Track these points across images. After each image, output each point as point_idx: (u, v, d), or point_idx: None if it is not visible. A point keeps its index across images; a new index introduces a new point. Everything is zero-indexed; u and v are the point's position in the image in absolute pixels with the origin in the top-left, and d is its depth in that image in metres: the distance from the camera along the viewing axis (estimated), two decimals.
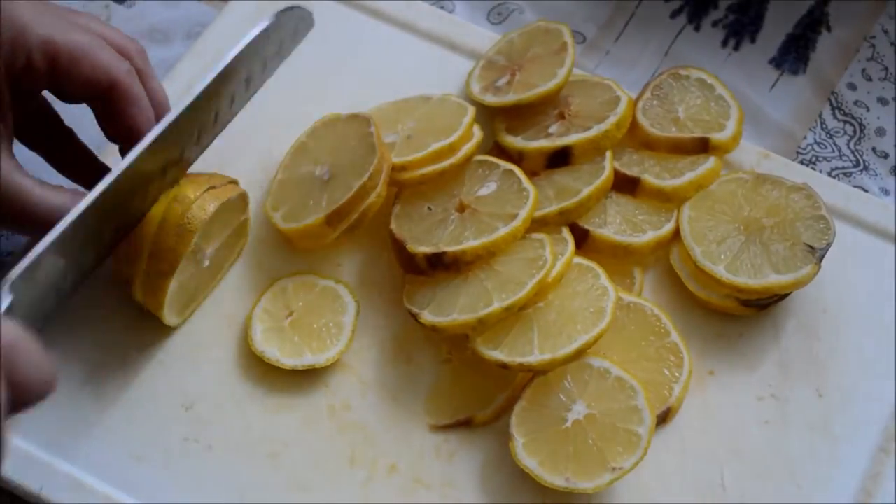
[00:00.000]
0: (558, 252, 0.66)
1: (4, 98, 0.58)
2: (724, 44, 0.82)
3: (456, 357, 0.68)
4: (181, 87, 0.76)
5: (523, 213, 0.67)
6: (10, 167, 0.59)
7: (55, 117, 0.67)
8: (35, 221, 0.59)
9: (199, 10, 0.82)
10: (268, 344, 0.67)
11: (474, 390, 0.66)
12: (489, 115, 0.73)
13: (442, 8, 0.82)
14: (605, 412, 0.63)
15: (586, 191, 0.68)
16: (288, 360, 0.67)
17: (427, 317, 0.65)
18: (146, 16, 0.82)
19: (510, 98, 0.72)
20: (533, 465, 0.62)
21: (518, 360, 0.64)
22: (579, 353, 0.64)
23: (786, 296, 0.69)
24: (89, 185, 0.57)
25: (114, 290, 0.68)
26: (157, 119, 0.62)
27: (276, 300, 0.69)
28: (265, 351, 0.67)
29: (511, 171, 0.69)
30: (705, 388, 0.67)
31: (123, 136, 0.62)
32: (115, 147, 0.65)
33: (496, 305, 0.64)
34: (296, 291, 0.69)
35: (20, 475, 0.63)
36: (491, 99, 0.73)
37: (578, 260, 0.67)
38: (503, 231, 0.66)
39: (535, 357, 0.63)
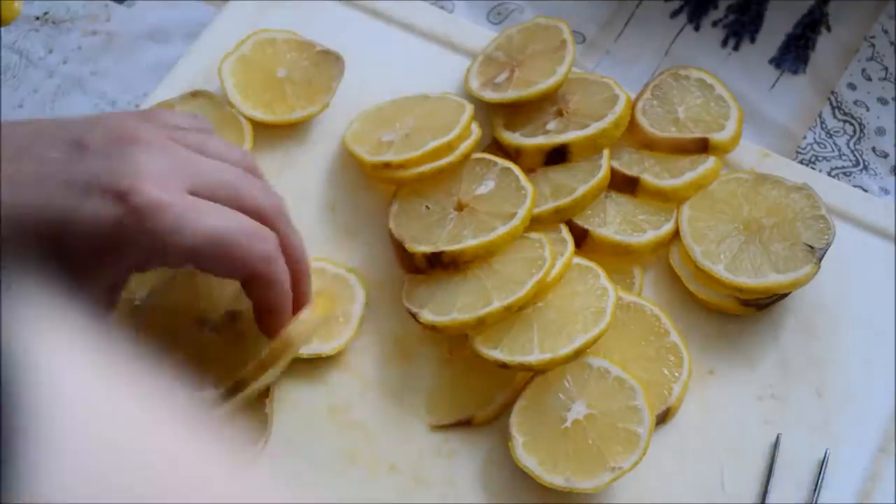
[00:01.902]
0: (558, 252, 0.66)
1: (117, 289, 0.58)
2: (724, 44, 0.82)
3: (456, 356, 0.67)
4: (181, 86, 0.75)
5: (521, 213, 0.66)
6: None
7: None
8: None
9: (198, 10, 0.82)
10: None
11: (474, 390, 0.66)
12: (487, 112, 0.73)
13: (442, 7, 0.82)
14: (605, 412, 0.63)
15: (582, 189, 0.68)
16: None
17: (426, 316, 0.65)
18: (146, 15, 0.82)
19: (510, 95, 0.72)
20: (532, 465, 0.62)
21: (518, 359, 0.64)
22: (579, 353, 0.63)
23: (786, 295, 0.68)
24: None
25: None
26: (294, 276, 0.61)
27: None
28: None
29: (509, 170, 0.69)
30: (705, 387, 0.67)
31: (261, 311, 0.62)
32: None
33: (496, 305, 0.64)
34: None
35: None
36: (490, 95, 0.73)
37: (578, 260, 0.67)
38: (501, 230, 0.66)
39: (535, 357, 0.63)
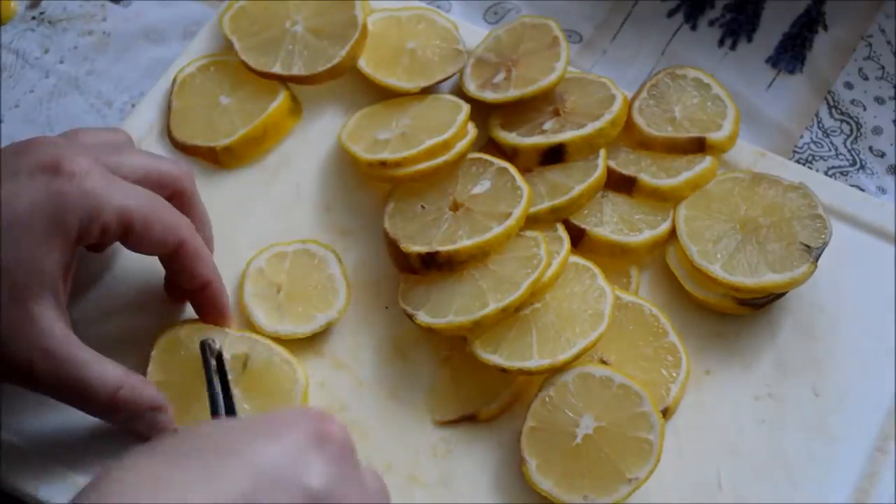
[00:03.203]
0: (554, 250, 0.66)
1: (67, 270, 0.61)
2: (721, 43, 0.82)
3: (456, 355, 0.67)
4: None
5: (517, 213, 0.66)
6: (67, 339, 0.59)
7: None
8: (91, 399, 0.60)
9: (195, 10, 0.82)
10: (277, 323, 0.67)
11: (477, 387, 0.66)
12: (483, 112, 0.73)
13: (438, 8, 0.81)
14: (614, 422, 0.62)
15: (578, 189, 0.68)
16: (305, 328, 0.67)
17: (423, 318, 0.65)
18: (142, 15, 0.82)
19: (512, 94, 0.72)
20: (548, 487, 0.62)
21: (517, 364, 0.63)
22: (578, 357, 0.63)
23: (782, 295, 0.68)
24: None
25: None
26: (206, 241, 0.66)
27: (258, 281, 0.69)
28: (277, 329, 0.67)
29: (505, 170, 0.69)
30: (702, 387, 0.67)
31: (191, 287, 0.65)
32: None
33: (492, 307, 0.64)
34: (271, 267, 0.69)
35: (18, 477, 0.63)
36: (491, 96, 0.73)
37: (575, 259, 0.67)
38: (497, 230, 0.66)
39: (534, 362, 0.63)
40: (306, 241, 0.70)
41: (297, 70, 0.74)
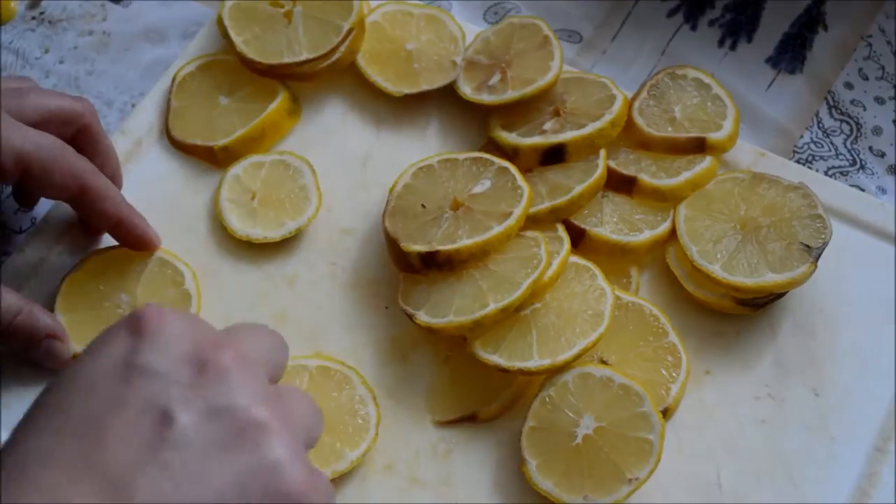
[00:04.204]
0: (554, 250, 0.66)
1: None
2: (721, 43, 0.82)
3: (456, 355, 0.67)
4: None
5: (517, 212, 0.66)
6: None
7: None
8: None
9: (194, 10, 0.82)
10: (249, 227, 0.70)
11: (477, 387, 0.66)
12: (480, 114, 0.73)
13: (438, 7, 0.81)
14: (614, 422, 0.62)
15: (578, 189, 0.68)
16: (275, 233, 0.70)
17: (423, 318, 0.65)
18: (142, 15, 0.82)
19: (510, 95, 0.72)
20: (549, 487, 0.62)
21: (518, 365, 0.63)
22: (578, 358, 0.64)
23: (782, 295, 0.68)
24: None
25: None
26: (112, 177, 0.68)
27: (234, 188, 0.71)
28: (248, 233, 0.70)
29: (505, 169, 0.69)
30: (702, 387, 0.67)
31: (104, 227, 0.68)
32: None
33: (492, 307, 0.64)
34: (248, 174, 0.72)
35: None
36: (489, 98, 0.73)
37: (575, 259, 0.67)
38: (497, 230, 0.66)
39: (534, 362, 0.63)
40: (283, 152, 0.73)
41: (298, 56, 0.74)
